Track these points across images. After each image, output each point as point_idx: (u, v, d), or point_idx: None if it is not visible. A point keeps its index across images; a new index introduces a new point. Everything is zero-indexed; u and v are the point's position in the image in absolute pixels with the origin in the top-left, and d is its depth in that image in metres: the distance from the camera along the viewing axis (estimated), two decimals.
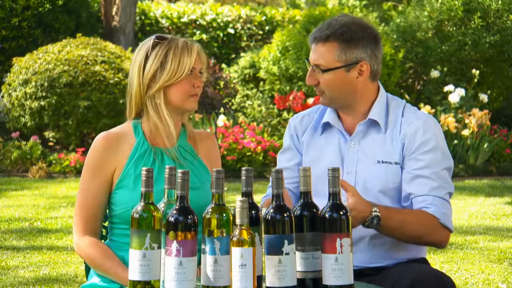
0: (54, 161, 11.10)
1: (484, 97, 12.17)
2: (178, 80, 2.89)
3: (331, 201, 2.33)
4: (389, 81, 12.35)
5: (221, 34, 15.87)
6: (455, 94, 11.75)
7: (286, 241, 2.26)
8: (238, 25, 16.02)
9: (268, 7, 17.96)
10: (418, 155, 2.93)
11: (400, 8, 14.70)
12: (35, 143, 11.26)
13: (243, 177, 2.37)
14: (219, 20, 15.98)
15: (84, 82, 11.55)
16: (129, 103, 2.97)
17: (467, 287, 5.36)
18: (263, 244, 2.32)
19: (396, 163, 2.95)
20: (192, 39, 3.05)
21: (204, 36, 15.70)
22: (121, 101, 11.51)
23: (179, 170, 2.30)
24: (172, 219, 2.27)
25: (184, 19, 16.04)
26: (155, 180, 2.39)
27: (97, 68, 11.65)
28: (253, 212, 2.36)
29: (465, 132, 11.23)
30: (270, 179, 3.07)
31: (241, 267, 2.21)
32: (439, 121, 11.15)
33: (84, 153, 11.37)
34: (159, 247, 2.32)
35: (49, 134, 12.14)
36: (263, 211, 2.34)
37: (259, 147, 10.89)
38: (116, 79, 11.68)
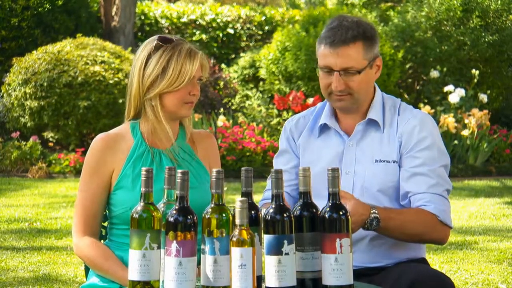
0: (53, 161, 11.10)
1: (483, 97, 12.17)
2: (176, 89, 2.88)
3: (330, 201, 2.33)
4: (389, 81, 12.35)
5: (221, 34, 15.87)
6: (455, 94, 11.75)
7: (285, 241, 2.26)
8: (238, 25, 16.02)
9: (268, 7, 17.97)
10: (415, 152, 2.94)
11: (398, 8, 14.70)
12: (35, 143, 11.26)
13: (243, 177, 2.37)
14: (218, 20, 15.98)
15: (83, 82, 11.55)
16: (128, 103, 2.97)
17: (467, 287, 5.36)
18: (262, 244, 2.32)
19: (394, 162, 2.96)
20: (197, 44, 3.00)
21: (203, 36, 15.70)
22: (120, 101, 11.50)
23: (179, 170, 2.29)
24: (171, 219, 2.26)
25: (184, 19, 16.04)
26: (153, 180, 2.38)
27: (97, 68, 11.65)
28: (252, 212, 2.36)
29: (465, 132, 11.23)
30: (268, 181, 3.06)
31: (240, 267, 2.21)
32: (438, 121, 11.17)
33: (84, 153, 11.35)
34: (158, 247, 2.32)
35: (48, 134, 12.14)
36: (263, 211, 2.34)
37: (259, 147, 10.89)
38: (116, 79, 11.68)
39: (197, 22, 16.00)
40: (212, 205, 2.29)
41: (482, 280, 5.50)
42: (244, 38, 15.97)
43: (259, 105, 12.64)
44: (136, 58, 2.94)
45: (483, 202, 8.88)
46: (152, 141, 2.97)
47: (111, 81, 11.62)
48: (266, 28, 16.09)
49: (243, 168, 2.37)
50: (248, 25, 16.07)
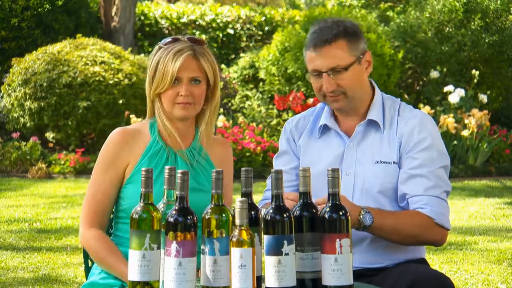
0: (53, 162, 11.10)
1: (483, 98, 12.17)
2: (163, 90, 2.90)
3: (330, 201, 2.34)
4: (389, 81, 12.34)
5: (221, 35, 15.87)
6: (455, 95, 11.75)
7: (285, 242, 2.26)
8: (238, 26, 16.02)
9: (268, 7, 17.97)
10: (414, 153, 2.94)
11: (398, 8, 14.70)
12: (35, 143, 11.26)
13: (243, 178, 2.37)
14: (218, 21, 15.99)
15: (83, 82, 11.55)
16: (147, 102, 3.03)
17: (467, 287, 5.37)
18: (262, 244, 2.32)
19: (394, 163, 2.96)
20: (192, 45, 2.99)
21: (203, 37, 15.70)
22: (120, 102, 11.51)
23: (179, 170, 2.30)
24: (171, 219, 2.27)
25: (184, 20, 16.05)
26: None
27: (97, 68, 11.65)
28: (252, 212, 2.37)
29: (465, 133, 11.22)
30: (268, 182, 3.06)
31: (240, 267, 2.21)
32: (438, 122, 11.16)
33: (84, 153, 11.37)
34: (158, 248, 2.32)
35: (48, 134, 12.14)
36: (263, 211, 2.34)
37: (259, 148, 10.88)
38: (116, 79, 11.68)
39: (197, 23, 16.00)
40: (212, 206, 2.29)
41: (482, 280, 5.50)
42: (244, 39, 15.97)
43: (259, 106, 12.64)
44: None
45: (483, 202, 8.88)
46: (168, 141, 2.98)
47: (111, 82, 11.62)
48: (266, 28, 16.10)
49: (243, 169, 2.37)
50: (248, 26, 16.08)
